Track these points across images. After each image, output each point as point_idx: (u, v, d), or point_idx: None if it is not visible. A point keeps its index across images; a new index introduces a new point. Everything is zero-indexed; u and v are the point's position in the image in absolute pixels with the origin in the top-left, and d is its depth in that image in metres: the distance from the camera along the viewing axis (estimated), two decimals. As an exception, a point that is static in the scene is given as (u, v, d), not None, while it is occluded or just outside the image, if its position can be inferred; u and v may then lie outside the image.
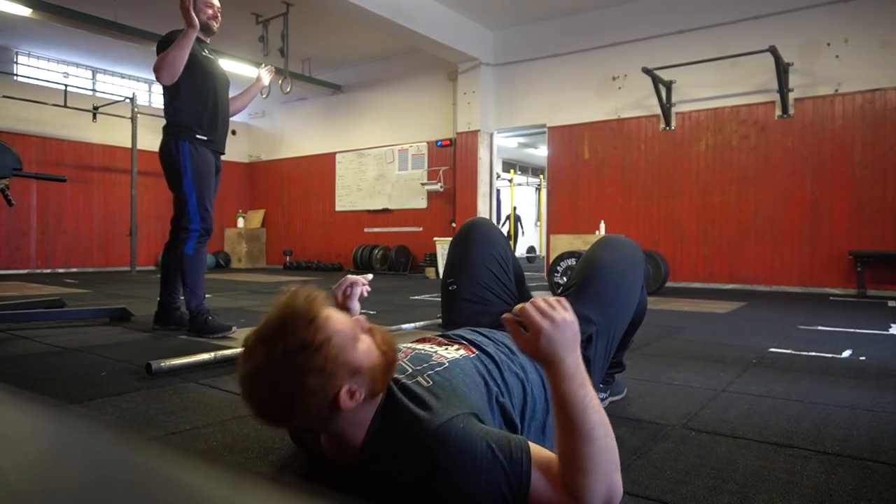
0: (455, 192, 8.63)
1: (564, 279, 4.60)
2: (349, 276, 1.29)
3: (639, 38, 6.96)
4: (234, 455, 1.35)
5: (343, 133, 10.14)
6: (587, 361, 1.07)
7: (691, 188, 6.69)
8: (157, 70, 2.81)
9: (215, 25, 3.03)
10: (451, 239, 1.71)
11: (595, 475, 0.87)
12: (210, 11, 2.98)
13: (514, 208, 13.42)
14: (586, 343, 1.36)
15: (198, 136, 2.99)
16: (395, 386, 1.01)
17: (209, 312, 2.99)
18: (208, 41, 3.10)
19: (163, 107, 3.05)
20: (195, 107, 2.97)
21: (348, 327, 0.94)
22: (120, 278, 7.62)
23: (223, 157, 3.24)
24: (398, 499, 0.92)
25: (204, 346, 2.62)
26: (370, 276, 1.33)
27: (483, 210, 8.34)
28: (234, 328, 2.97)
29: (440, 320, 3.36)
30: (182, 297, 3.06)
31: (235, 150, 11.30)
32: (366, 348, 0.94)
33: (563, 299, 0.99)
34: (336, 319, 0.93)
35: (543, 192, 12.12)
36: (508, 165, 15.54)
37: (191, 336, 2.94)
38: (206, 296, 3.11)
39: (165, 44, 2.88)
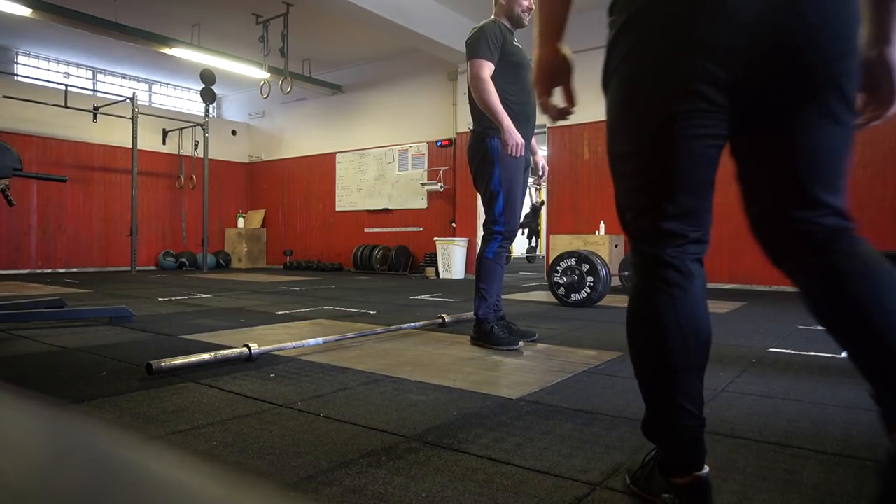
0: (455, 192, 8.63)
1: (564, 279, 4.60)
2: None
3: (639, 38, 6.95)
4: (234, 455, 1.36)
5: (343, 133, 10.14)
6: None
7: (691, 188, 6.68)
8: (476, 90, 2.68)
9: (526, 19, 2.87)
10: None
11: None
12: (525, 4, 2.83)
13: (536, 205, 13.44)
14: None
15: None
16: None
17: (497, 322, 2.82)
18: (514, 31, 2.92)
19: (469, 105, 2.88)
20: (507, 102, 2.76)
21: None
22: (120, 278, 7.62)
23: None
24: None
25: (204, 346, 2.62)
26: None
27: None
28: (521, 342, 2.77)
29: (440, 320, 3.37)
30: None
31: (235, 151, 11.30)
32: None
33: None
34: None
35: (543, 191, 12.11)
36: (508, 165, 15.49)
37: (476, 343, 2.80)
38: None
39: (474, 44, 2.73)
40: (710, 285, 6.53)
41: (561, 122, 7.46)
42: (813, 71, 0.92)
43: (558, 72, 1.15)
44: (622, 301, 4.93)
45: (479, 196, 3.02)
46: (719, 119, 0.97)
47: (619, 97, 1.04)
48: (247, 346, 2.37)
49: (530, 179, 3.08)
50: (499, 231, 2.84)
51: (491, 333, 2.76)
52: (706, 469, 1.03)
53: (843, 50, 0.92)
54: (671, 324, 1.02)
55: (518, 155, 2.70)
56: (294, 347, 2.56)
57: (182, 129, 9.80)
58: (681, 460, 1.03)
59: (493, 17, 2.87)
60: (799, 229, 1.00)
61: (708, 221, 1.06)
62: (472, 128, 2.90)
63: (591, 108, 7.99)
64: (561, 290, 4.61)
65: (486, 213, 2.90)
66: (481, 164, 2.83)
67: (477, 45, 2.72)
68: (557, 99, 1.18)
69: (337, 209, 10.22)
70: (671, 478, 1.04)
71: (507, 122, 2.66)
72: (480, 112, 2.79)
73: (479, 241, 3.05)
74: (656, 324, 1.03)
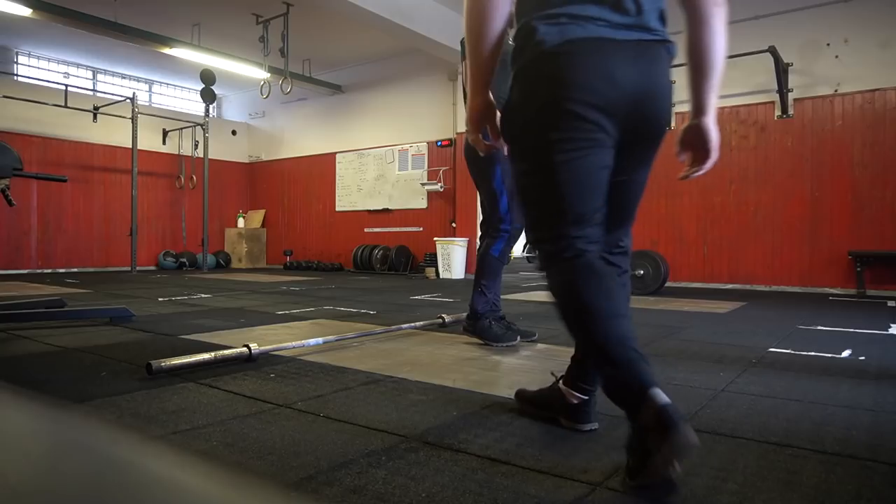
0: (455, 192, 8.63)
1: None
2: None
3: (639, 38, 6.95)
4: (234, 455, 1.36)
5: (343, 133, 10.14)
6: None
7: (691, 188, 6.69)
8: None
9: None
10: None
11: None
12: None
13: None
14: None
15: None
16: None
17: (497, 322, 2.84)
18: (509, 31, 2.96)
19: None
20: (502, 100, 2.83)
21: None
22: (120, 278, 7.62)
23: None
24: None
25: (204, 346, 2.62)
26: None
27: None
28: (518, 338, 2.78)
29: (440, 320, 3.37)
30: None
31: (235, 151, 11.30)
32: None
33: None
34: None
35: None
36: (508, 165, 15.55)
37: (468, 333, 2.82)
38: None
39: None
40: (710, 285, 6.55)
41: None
42: (657, 132, 1.33)
43: (486, 115, 1.44)
44: (622, 301, 4.94)
45: (476, 196, 3.04)
46: (609, 154, 1.29)
47: (535, 142, 1.31)
48: (247, 346, 2.37)
49: None
50: (505, 230, 2.85)
51: (489, 330, 2.78)
52: (665, 399, 1.11)
53: (666, 114, 1.33)
54: (596, 283, 1.25)
55: None
56: (294, 347, 2.56)
57: (182, 129, 9.80)
58: (636, 389, 1.13)
59: None
60: (621, 237, 1.44)
61: (603, 226, 1.35)
62: None
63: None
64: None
65: (490, 213, 2.91)
66: (482, 165, 2.84)
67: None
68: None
69: (337, 209, 10.22)
70: (645, 428, 1.11)
71: None
72: None
73: (478, 242, 3.06)
74: (578, 283, 1.26)
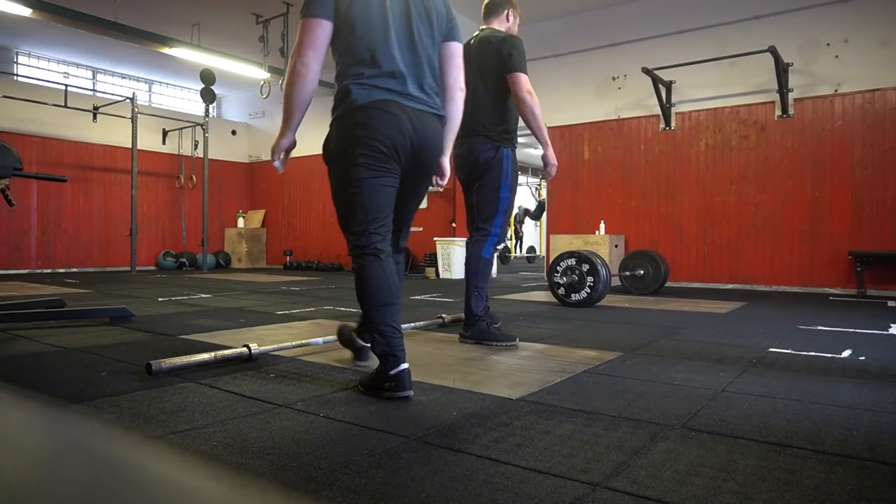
0: (455, 193, 8.62)
1: (564, 279, 4.60)
2: None
3: (639, 38, 6.96)
4: (234, 455, 1.36)
5: (343, 133, 10.13)
6: None
7: (691, 188, 6.69)
8: (533, 105, 2.80)
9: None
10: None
11: None
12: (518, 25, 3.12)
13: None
14: None
15: (516, 144, 3.01)
16: None
17: (491, 318, 2.94)
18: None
19: (476, 109, 2.89)
20: (515, 114, 2.96)
21: None
22: (120, 278, 7.62)
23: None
24: None
25: (204, 346, 2.62)
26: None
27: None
28: (517, 339, 2.84)
29: (440, 320, 3.37)
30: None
31: (235, 150, 11.29)
32: None
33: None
34: None
35: (543, 191, 12.12)
36: (508, 165, 15.56)
37: (465, 341, 2.85)
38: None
39: (518, 57, 2.83)
40: (710, 285, 6.55)
41: (560, 122, 7.45)
42: (426, 172, 2.05)
43: (290, 149, 2.06)
44: (622, 301, 4.94)
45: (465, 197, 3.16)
46: (395, 179, 1.94)
47: (346, 166, 1.90)
48: (247, 346, 2.37)
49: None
50: (496, 233, 2.96)
51: (487, 331, 2.81)
52: (406, 365, 1.85)
53: (436, 161, 2.05)
54: (382, 278, 1.89)
55: (553, 176, 3.08)
56: (294, 347, 2.56)
57: (182, 129, 9.79)
58: (392, 359, 1.83)
59: (505, 30, 3.02)
60: (400, 238, 2.15)
61: (391, 226, 1.98)
62: (475, 130, 2.90)
63: (590, 108, 8.07)
64: (561, 290, 4.61)
65: (484, 216, 3.00)
66: (493, 171, 2.93)
67: (522, 59, 2.85)
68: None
69: (337, 209, 10.21)
70: (388, 372, 1.83)
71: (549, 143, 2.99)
72: (498, 119, 2.90)
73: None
74: (375, 279, 1.89)
